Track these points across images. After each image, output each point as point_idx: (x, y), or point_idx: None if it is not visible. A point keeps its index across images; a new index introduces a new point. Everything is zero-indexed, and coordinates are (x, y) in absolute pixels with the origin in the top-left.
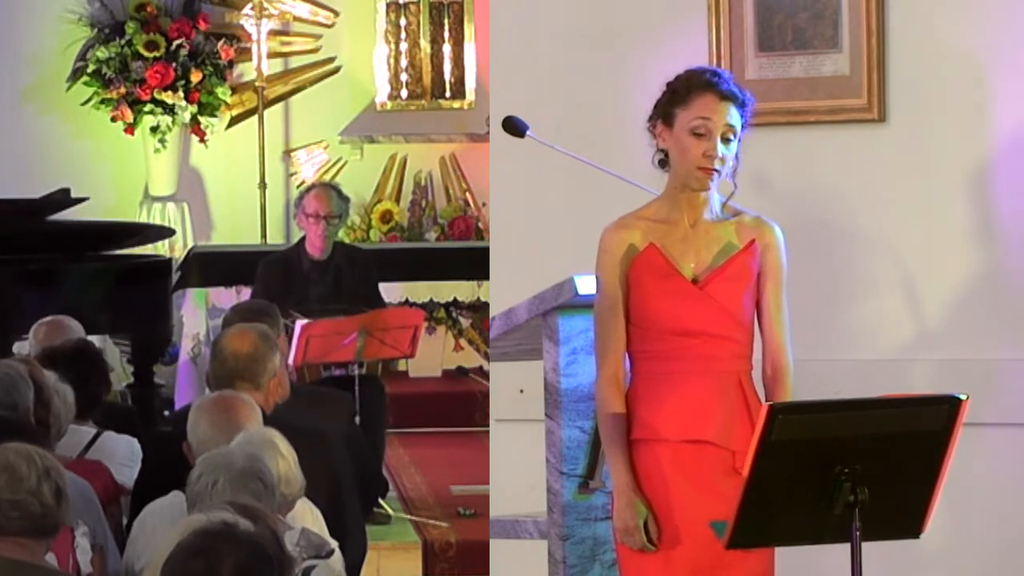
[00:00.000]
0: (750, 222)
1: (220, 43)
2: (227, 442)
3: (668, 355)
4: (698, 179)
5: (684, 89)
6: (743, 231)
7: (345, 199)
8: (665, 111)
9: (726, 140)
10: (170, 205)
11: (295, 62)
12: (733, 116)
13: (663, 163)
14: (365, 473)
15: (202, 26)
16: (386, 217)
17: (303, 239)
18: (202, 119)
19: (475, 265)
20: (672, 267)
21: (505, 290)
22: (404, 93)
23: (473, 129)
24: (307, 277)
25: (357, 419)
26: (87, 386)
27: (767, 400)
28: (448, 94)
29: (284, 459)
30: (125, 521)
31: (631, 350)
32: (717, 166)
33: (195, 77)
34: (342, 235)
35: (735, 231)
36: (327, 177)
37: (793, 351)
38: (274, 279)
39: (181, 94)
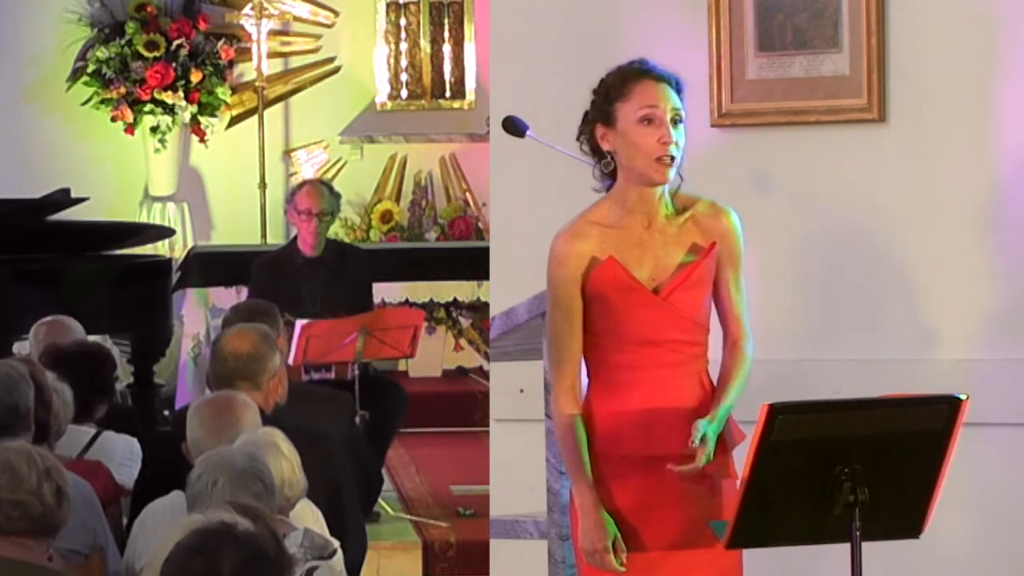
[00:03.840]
0: (705, 212)
1: (220, 43)
2: (220, 442)
3: (630, 364)
4: (657, 170)
5: (619, 83)
6: (701, 227)
7: (336, 196)
8: (603, 111)
9: (675, 123)
10: (170, 205)
11: (295, 62)
12: (675, 99)
13: (608, 165)
14: (365, 473)
15: (202, 26)
16: (386, 217)
17: (295, 238)
18: (202, 119)
19: (475, 265)
20: (633, 280)
21: (505, 290)
22: (404, 93)
23: (473, 129)
24: (299, 275)
25: (357, 419)
26: (89, 389)
27: (721, 368)
28: (448, 94)
29: (287, 460)
30: (125, 521)
31: (589, 360)
32: (674, 152)
33: (195, 77)
34: (342, 235)
35: (692, 227)
36: (327, 177)
37: (753, 338)
38: (266, 279)
39: (181, 94)
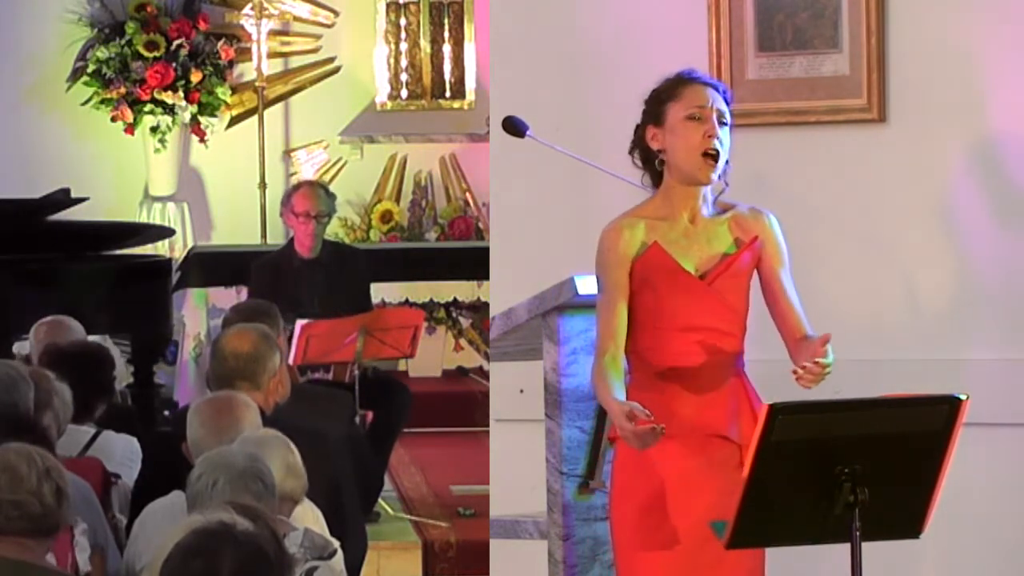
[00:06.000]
0: (747, 215)
1: (220, 43)
2: (220, 442)
3: (674, 351)
4: (702, 168)
5: (670, 86)
6: (742, 226)
7: (332, 197)
8: (654, 112)
9: (720, 124)
10: (170, 205)
11: (295, 62)
12: (721, 103)
13: (660, 163)
14: (365, 473)
15: (202, 26)
16: (386, 217)
17: (293, 239)
18: (202, 119)
19: (475, 265)
20: (677, 264)
21: (505, 290)
22: (404, 93)
23: (473, 129)
24: (298, 276)
25: (357, 418)
26: (89, 389)
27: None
28: (448, 94)
29: (287, 460)
30: (125, 521)
31: (635, 348)
32: (718, 147)
33: (195, 77)
34: (342, 235)
35: (734, 226)
36: (327, 177)
37: (810, 327)
38: (264, 280)
39: (181, 94)
